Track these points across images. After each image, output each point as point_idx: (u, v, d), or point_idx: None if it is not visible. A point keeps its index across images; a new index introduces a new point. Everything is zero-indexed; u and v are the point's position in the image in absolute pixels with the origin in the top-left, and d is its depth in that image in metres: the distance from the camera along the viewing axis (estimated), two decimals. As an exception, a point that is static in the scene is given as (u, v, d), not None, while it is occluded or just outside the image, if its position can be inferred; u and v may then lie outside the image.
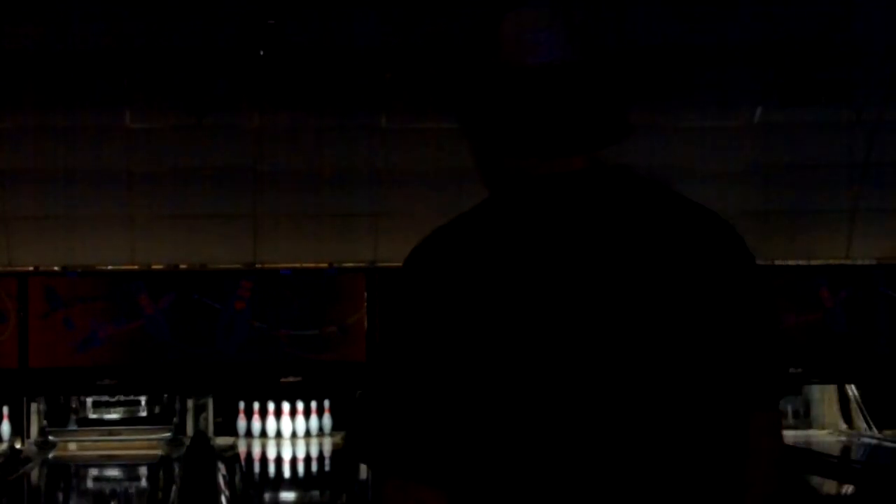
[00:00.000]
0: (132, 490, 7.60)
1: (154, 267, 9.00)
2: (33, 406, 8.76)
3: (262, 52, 8.28)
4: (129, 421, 8.96)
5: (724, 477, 2.01)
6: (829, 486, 7.47)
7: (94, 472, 8.33)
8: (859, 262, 9.35)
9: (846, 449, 8.66)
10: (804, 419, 9.36)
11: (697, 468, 1.97)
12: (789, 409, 9.36)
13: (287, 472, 8.54)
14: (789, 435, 8.82)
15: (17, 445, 8.62)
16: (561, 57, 2.05)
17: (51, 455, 8.55)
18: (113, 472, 8.18)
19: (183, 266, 9.03)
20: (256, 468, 8.51)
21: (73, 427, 8.89)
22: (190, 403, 8.90)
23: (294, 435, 9.01)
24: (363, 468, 8.18)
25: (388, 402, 1.95)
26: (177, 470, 7.73)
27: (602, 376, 1.94)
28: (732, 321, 2.02)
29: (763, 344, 2.06)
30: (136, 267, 8.98)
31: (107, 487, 7.78)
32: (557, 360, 1.93)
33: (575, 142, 2.05)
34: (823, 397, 9.33)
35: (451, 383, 1.93)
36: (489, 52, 2.13)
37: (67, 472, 8.38)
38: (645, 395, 1.95)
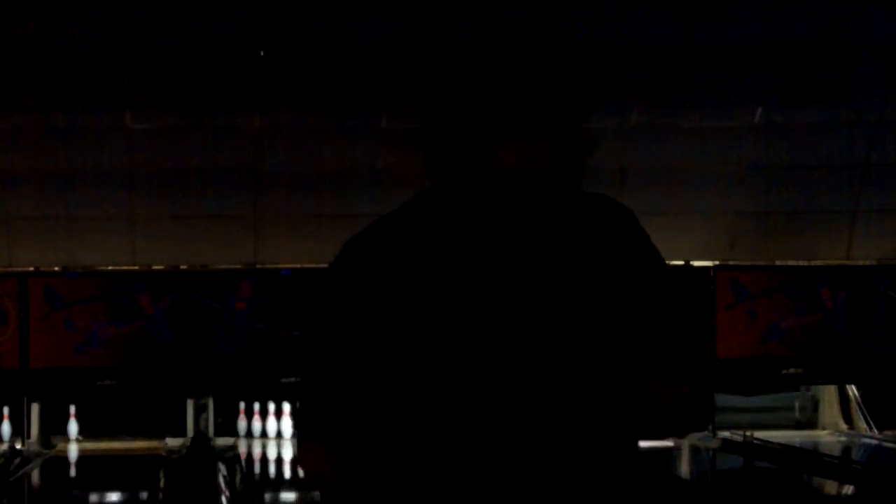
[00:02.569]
0: (132, 490, 7.60)
1: (154, 267, 9.00)
2: (34, 406, 8.76)
3: (262, 53, 8.28)
4: (130, 421, 8.96)
5: (604, 438, 2.17)
6: (830, 487, 7.47)
7: (94, 472, 8.33)
8: (860, 262, 9.34)
9: (846, 449, 8.66)
10: (805, 419, 9.36)
11: (578, 431, 2.14)
12: (796, 405, 9.36)
13: (287, 473, 8.53)
14: (791, 435, 8.82)
15: (18, 446, 8.62)
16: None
17: (51, 455, 8.54)
18: (113, 473, 8.17)
19: (183, 266, 9.03)
20: (257, 468, 8.51)
21: (73, 427, 8.88)
22: (190, 404, 8.89)
23: (294, 435, 9.01)
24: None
25: (304, 376, 2.27)
26: (177, 470, 7.73)
27: (492, 350, 2.13)
28: (628, 306, 2.19)
29: (657, 324, 2.21)
30: (136, 267, 8.98)
31: (107, 488, 7.78)
32: (452, 337, 2.14)
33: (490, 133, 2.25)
34: (824, 398, 9.33)
35: (359, 365, 2.18)
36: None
37: (67, 473, 8.38)
38: (530, 370, 2.13)
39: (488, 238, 2.18)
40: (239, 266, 9.03)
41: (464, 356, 2.13)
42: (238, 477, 7.66)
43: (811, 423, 9.33)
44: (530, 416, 2.12)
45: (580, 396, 2.15)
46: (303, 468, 2.29)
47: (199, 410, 8.93)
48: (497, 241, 2.18)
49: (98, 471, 8.32)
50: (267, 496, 7.63)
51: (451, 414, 2.13)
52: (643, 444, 2.28)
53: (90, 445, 8.79)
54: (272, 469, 8.62)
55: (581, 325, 2.15)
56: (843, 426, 9.21)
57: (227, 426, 8.97)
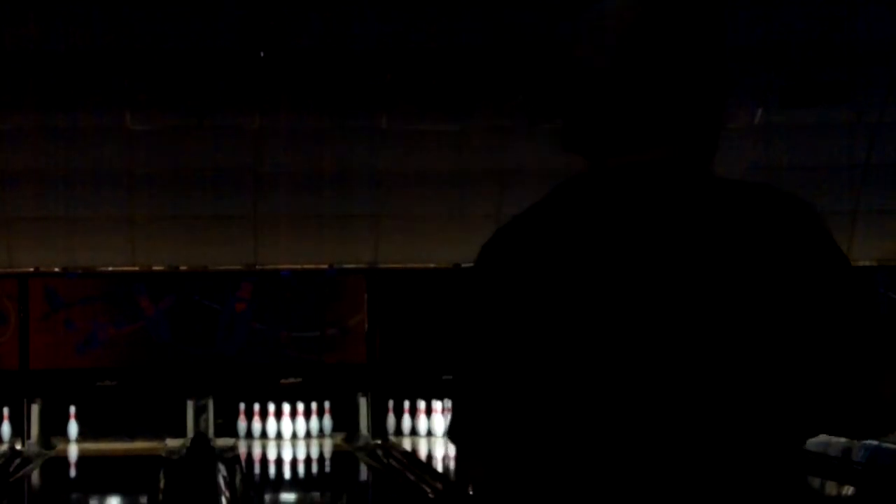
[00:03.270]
0: (132, 491, 7.59)
1: (154, 268, 9.00)
2: (34, 407, 8.76)
3: (262, 54, 8.28)
4: (129, 422, 8.95)
5: (760, 461, 1.98)
6: (830, 487, 7.46)
7: (94, 472, 8.32)
8: (860, 263, 9.34)
9: (846, 450, 8.65)
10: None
11: (733, 449, 1.96)
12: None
13: (287, 474, 8.53)
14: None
15: (18, 446, 8.62)
16: (613, 61, 2.05)
17: (51, 456, 8.54)
18: (113, 474, 8.17)
19: (183, 267, 9.02)
20: (257, 469, 8.51)
21: (73, 428, 8.87)
22: (190, 404, 8.89)
23: (294, 436, 9.01)
24: (363, 469, 8.18)
25: (457, 386, 2.13)
26: (177, 471, 7.72)
27: (648, 375, 1.96)
28: (805, 329, 1.95)
29: (842, 353, 1.97)
30: (136, 268, 8.98)
31: (107, 489, 7.78)
32: (606, 354, 1.97)
33: (622, 145, 2.06)
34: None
35: (507, 370, 2.04)
36: (565, 47, 2.15)
37: (67, 473, 8.37)
38: (692, 394, 1.95)
39: (655, 233, 1.99)
40: (239, 267, 9.03)
41: (625, 359, 1.97)
42: (238, 477, 7.65)
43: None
44: (688, 426, 1.95)
45: (739, 413, 1.96)
46: (466, 475, 2.18)
47: (199, 411, 8.93)
48: (665, 236, 1.98)
49: (98, 471, 8.31)
50: (267, 497, 7.63)
51: (606, 421, 1.97)
52: None
53: (90, 446, 8.78)
54: (272, 470, 8.61)
55: (751, 333, 1.95)
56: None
57: (227, 427, 8.96)
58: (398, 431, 8.99)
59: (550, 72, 2.17)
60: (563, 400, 2.00)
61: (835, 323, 1.97)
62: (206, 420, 8.92)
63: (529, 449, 2.04)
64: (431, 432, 8.96)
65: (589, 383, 1.98)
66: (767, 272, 1.96)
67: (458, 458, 2.20)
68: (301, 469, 8.67)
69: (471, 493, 2.22)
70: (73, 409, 8.85)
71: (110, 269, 8.98)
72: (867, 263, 9.36)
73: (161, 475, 7.43)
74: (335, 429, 9.06)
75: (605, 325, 1.97)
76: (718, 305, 1.95)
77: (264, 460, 8.68)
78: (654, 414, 1.95)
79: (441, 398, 9.08)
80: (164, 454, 8.34)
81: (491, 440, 2.08)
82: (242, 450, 8.71)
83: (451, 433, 2.14)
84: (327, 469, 8.81)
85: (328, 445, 8.95)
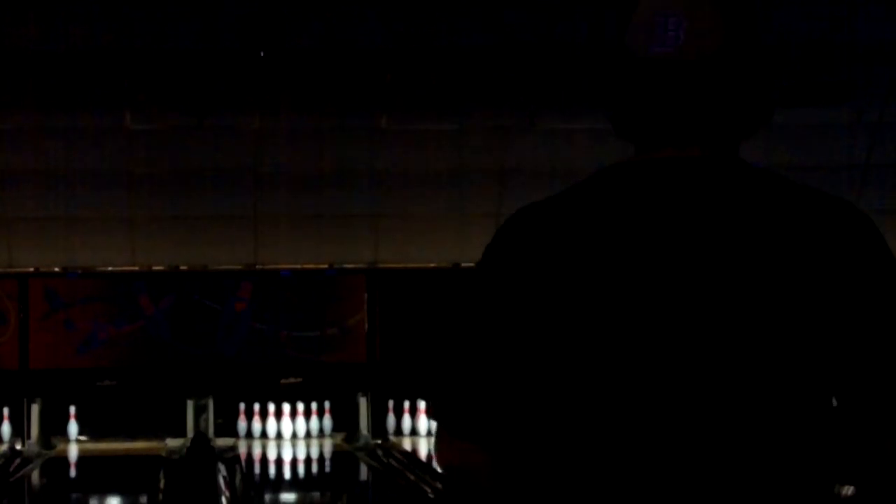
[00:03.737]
0: (132, 491, 7.59)
1: (154, 268, 9.00)
2: (34, 407, 8.75)
3: (262, 54, 8.27)
4: (130, 422, 8.95)
5: (785, 483, 1.93)
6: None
7: (94, 473, 8.32)
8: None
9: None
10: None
11: (745, 443, 1.91)
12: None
13: (287, 474, 8.53)
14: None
15: (18, 446, 8.62)
16: (681, 48, 1.96)
17: (51, 456, 8.54)
18: (113, 474, 8.17)
19: (183, 267, 9.02)
20: (257, 469, 8.51)
21: (73, 428, 8.87)
22: (190, 404, 8.89)
23: (294, 436, 9.01)
24: (363, 469, 8.18)
25: (449, 364, 2.03)
26: (177, 471, 7.72)
27: (663, 363, 1.91)
28: (837, 325, 1.90)
29: (876, 353, 1.90)
30: (136, 268, 8.98)
31: (107, 489, 7.78)
32: (618, 341, 1.92)
33: (677, 136, 2.00)
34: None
35: (512, 351, 1.97)
36: (621, 33, 2.04)
37: (67, 473, 8.37)
38: (710, 391, 1.90)
39: (670, 224, 1.93)
40: (239, 267, 9.03)
41: (635, 353, 1.91)
42: (238, 477, 7.65)
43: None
44: (698, 426, 1.89)
45: (756, 411, 1.90)
46: (443, 460, 2.09)
47: (199, 411, 8.93)
48: (682, 228, 1.93)
49: (98, 471, 8.31)
50: (267, 497, 7.63)
51: (613, 418, 1.92)
52: None
53: (90, 446, 8.78)
54: (272, 470, 8.61)
55: (773, 332, 1.89)
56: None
57: (227, 427, 8.96)
58: (398, 431, 8.99)
59: (606, 60, 2.07)
60: (574, 382, 1.94)
61: (861, 329, 1.90)
62: (206, 420, 8.92)
63: (536, 435, 1.98)
64: (432, 432, 8.96)
65: (600, 369, 1.93)
66: (796, 271, 1.90)
67: (438, 438, 2.10)
68: (301, 469, 8.67)
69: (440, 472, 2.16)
70: (73, 409, 8.85)
71: (110, 268, 8.98)
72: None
73: (161, 475, 7.43)
74: (335, 429, 9.06)
75: (617, 314, 1.93)
76: (732, 297, 1.90)
77: (264, 460, 8.68)
78: (661, 405, 1.90)
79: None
80: (164, 454, 8.34)
81: (490, 424, 2.00)
82: (242, 450, 8.71)
83: (440, 412, 2.05)
84: (327, 469, 8.81)
85: (328, 445, 8.95)
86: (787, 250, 1.91)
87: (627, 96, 2.01)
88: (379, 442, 8.79)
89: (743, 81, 2.00)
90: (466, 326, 2.02)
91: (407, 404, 8.99)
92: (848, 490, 7.35)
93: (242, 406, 9.01)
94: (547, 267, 1.96)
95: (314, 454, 8.86)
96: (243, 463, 8.28)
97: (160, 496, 6.98)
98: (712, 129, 2.00)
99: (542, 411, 1.98)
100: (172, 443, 8.65)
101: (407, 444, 8.75)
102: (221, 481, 7.45)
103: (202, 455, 8.29)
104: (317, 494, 8.12)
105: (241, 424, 9.00)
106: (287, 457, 8.72)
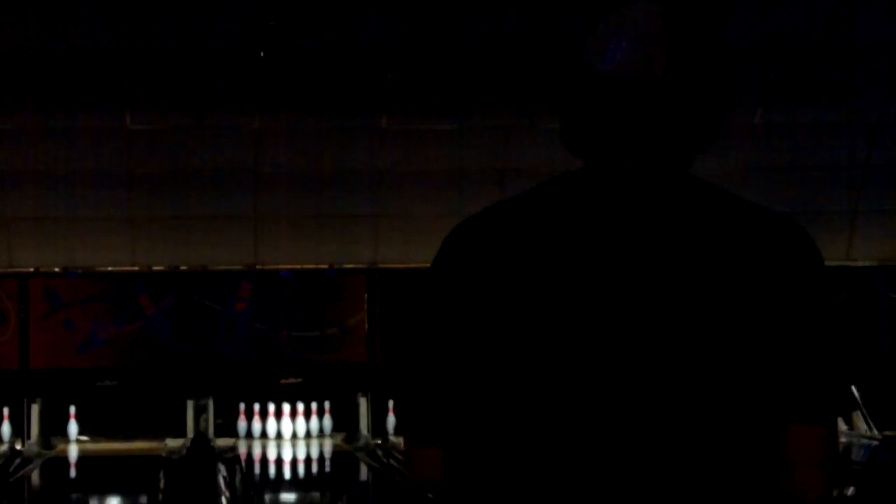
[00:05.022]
0: (132, 491, 7.59)
1: (154, 268, 9.00)
2: (34, 407, 8.75)
3: (262, 53, 8.28)
4: (130, 422, 8.95)
5: (726, 481, 1.99)
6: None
7: (94, 473, 8.32)
8: (860, 263, 9.34)
9: (846, 450, 8.65)
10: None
11: (693, 469, 1.97)
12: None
13: (287, 474, 8.53)
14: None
15: (18, 446, 8.62)
16: (625, 68, 2.02)
17: (51, 456, 8.54)
18: (113, 474, 8.17)
19: (183, 267, 9.02)
20: (257, 469, 8.51)
21: (73, 428, 8.87)
22: (190, 404, 8.89)
23: (294, 436, 9.01)
24: (363, 469, 8.18)
25: (409, 374, 2.11)
26: (177, 471, 7.72)
27: (607, 367, 1.97)
28: (769, 329, 1.97)
29: (805, 354, 1.98)
30: (136, 268, 8.98)
31: (107, 489, 7.78)
32: (564, 345, 1.98)
33: (615, 149, 2.06)
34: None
35: (462, 358, 2.04)
36: (578, 51, 2.12)
37: (67, 473, 8.37)
38: (648, 390, 1.96)
39: (615, 232, 2.00)
40: (239, 267, 9.03)
41: (581, 356, 1.97)
42: (238, 478, 7.65)
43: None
44: (645, 426, 1.96)
45: (697, 410, 1.96)
46: (416, 474, 2.15)
47: (199, 411, 8.93)
48: (625, 235, 2.00)
49: (98, 471, 8.31)
50: (267, 497, 7.62)
51: (564, 419, 1.98)
52: None
53: (90, 446, 8.78)
54: (272, 470, 8.61)
55: (711, 333, 1.96)
56: (843, 426, 9.21)
57: (227, 427, 8.96)
58: (398, 431, 8.98)
59: (557, 73, 2.16)
60: (520, 388, 2.01)
61: (787, 334, 1.97)
62: (206, 420, 8.92)
63: (494, 443, 2.03)
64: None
65: (539, 372, 1.99)
66: (724, 277, 1.97)
67: (411, 456, 2.16)
68: (301, 469, 8.67)
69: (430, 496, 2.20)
70: (73, 409, 8.85)
71: (110, 269, 8.98)
72: (867, 263, 9.35)
73: (161, 475, 7.43)
74: (335, 429, 9.06)
75: (554, 318, 1.99)
76: (669, 300, 1.96)
77: (264, 460, 8.68)
78: (596, 405, 1.97)
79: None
80: (164, 454, 8.33)
81: (454, 433, 2.06)
82: (242, 450, 8.70)
83: (408, 428, 2.13)
84: (327, 469, 8.81)
85: (328, 445, 8.95)
86: (717, 257, 1.98)
87: (573, 109, 2.10)
88: (379, 442, 8.79)
89: (689, 103, 2.05)
90: (418, 336, 2.11)
91: (407, 404, 8.97)
92: (848, 490, 7.35)
93: (242, 406, 9.01)
94: (491, 274, 2.04)
95: (314, 454, 8.86)
96: (243, 463, 8.28)
97: (160, 496, 6.98)
98: (652, 144, 2.06)
99: (488, 415, 2.04)
100: (172, 443, 8.65)
101: (407, 445, 8.73)
102: (221, 481, 7.45)
103: (202, 455, 8.29)
104: (317, 494, 8.12)
105: (241, 424, 9.00)
106: (287, 457, 8.72)
